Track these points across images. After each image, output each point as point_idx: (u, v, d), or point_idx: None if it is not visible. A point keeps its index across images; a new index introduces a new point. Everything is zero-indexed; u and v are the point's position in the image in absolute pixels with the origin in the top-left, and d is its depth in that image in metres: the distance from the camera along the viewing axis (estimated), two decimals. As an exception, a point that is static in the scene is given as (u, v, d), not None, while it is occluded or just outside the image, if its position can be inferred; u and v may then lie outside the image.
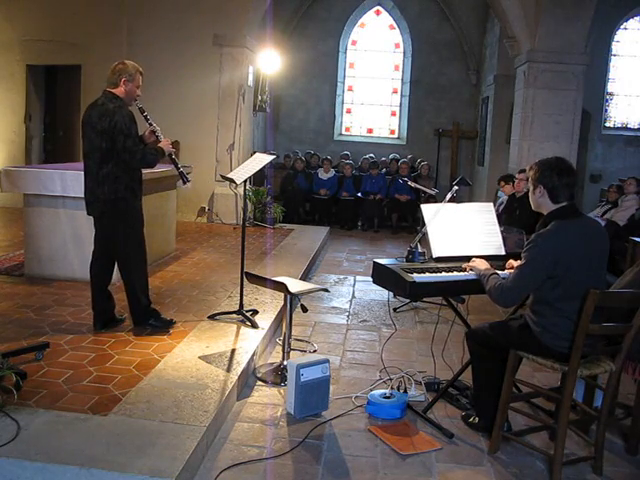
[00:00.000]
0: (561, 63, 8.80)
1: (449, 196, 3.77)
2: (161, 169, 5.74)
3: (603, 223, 7.55)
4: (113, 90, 4.12)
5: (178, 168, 4.33)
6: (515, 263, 3.38)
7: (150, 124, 4.25)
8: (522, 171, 7.11)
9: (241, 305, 4.73)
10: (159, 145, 4.22)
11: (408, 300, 5.59)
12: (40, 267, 5.52)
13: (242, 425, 3.34)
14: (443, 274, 3.40)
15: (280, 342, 4.35)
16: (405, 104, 14.16)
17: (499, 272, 3.31)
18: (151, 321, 4.32)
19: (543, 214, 3.13)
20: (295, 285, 4.10)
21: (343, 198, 11.48)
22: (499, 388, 3.21)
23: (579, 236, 2.98)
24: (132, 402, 3.16)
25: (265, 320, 4.72)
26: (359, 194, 11.49)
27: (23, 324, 4.27)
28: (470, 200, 11.42)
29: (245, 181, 4.75)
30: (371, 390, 3.82)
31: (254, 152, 9.21)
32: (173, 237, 7.04)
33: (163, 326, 4.32)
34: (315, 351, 4.58)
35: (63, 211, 5.45)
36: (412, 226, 11.03)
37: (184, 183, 4.40)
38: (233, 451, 3.06)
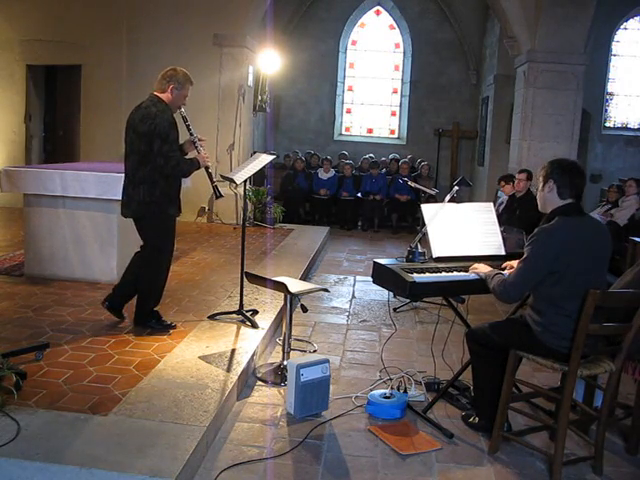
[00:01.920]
0: (561, 63, 8.80)
1: (449, 197, 3.77)
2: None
3: (605, 221, 7.56)
4: (159, 94, 4.12)
5: (212, 182, 4.36)
6: (514, 264, 3.38)
7: (191, 134, 4.23)
8: (522, 171, 7.12)
9: (241, 305, 4.73)
10: (196, 157, 4.20)
11: (408, 300, 5.59)
12: (40, 267, 5.52)
13: (242, 425, 3.34)
14: (443, 274, 3.40)
15: (280, 342, 4.35)
16: (405, 104, 14.17)
17: (503, 272, 3.31)
18: (151, 323, 4.33)
19: (546, 213, 3.15)
20: (295, 285, 4.10)
21: (343, 198, 11.48)
22: (499, 388, 3.21)
23: (582, 234, 3.01)
24: (132, 402, 3.16)
25: (265, 320, 4.73)
26: (359, 194, 11.49)
27: (23, 324, 4.27)
28: (470, 200, 11.40)
29: (245, 181, 4.76)
30: (371, 390, 3.82)
31: (254, 152, 9.23)
32: (173, 237, 7.02)
33: (163, 329, 4.31)
34: (315, 351, 4.58)
35: (63, 211, 5.45)
36: (412, 226, 11.02)
37: (217, 197, 4.39)
38: (233, 451, 3.06)
